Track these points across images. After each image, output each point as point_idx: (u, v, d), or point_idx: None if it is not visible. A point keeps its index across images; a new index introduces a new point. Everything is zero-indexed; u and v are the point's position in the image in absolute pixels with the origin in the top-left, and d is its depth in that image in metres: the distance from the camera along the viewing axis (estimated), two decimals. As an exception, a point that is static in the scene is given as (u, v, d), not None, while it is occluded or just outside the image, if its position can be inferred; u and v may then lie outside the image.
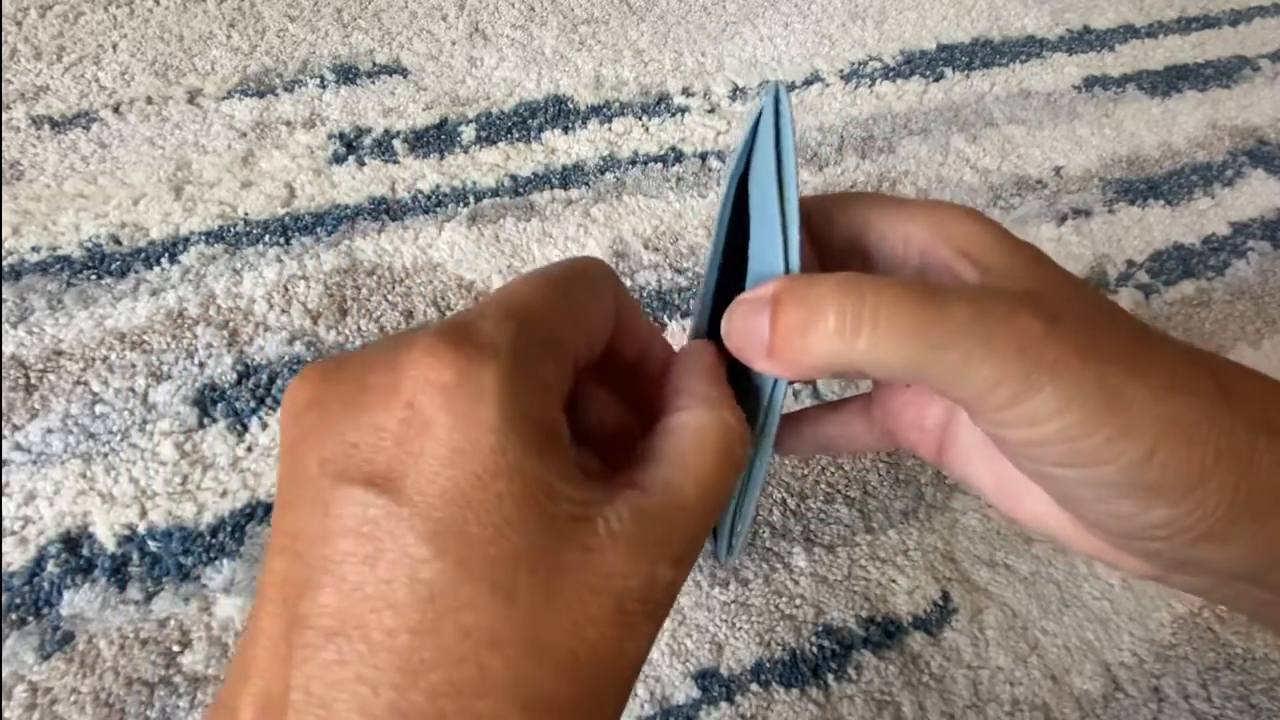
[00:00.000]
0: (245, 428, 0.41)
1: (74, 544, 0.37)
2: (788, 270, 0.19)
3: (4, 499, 0.38)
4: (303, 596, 0.14)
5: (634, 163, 0.55)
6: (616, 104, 0.59)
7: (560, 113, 0.58)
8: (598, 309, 0.19)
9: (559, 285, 0.18)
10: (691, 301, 0.50)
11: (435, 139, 0.55)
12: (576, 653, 0.14)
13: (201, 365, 0.43)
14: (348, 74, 0.57)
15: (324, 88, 0.56)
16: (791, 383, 0.22)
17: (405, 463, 0.14)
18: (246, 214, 0.49)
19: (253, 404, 0.42)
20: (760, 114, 0.21)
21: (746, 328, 0.18)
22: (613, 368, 0.21)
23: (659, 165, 0.55)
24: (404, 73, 0.58)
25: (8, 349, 0.42)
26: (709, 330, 0.23)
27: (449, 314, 0.44)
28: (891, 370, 0.17)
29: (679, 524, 0.16)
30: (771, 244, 0.19)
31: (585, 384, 0.19)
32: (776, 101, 0.20)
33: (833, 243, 0.21)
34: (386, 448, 0.15)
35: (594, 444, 0.19)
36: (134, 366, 0.42)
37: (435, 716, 0.13)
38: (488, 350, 0.15)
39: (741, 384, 0.21)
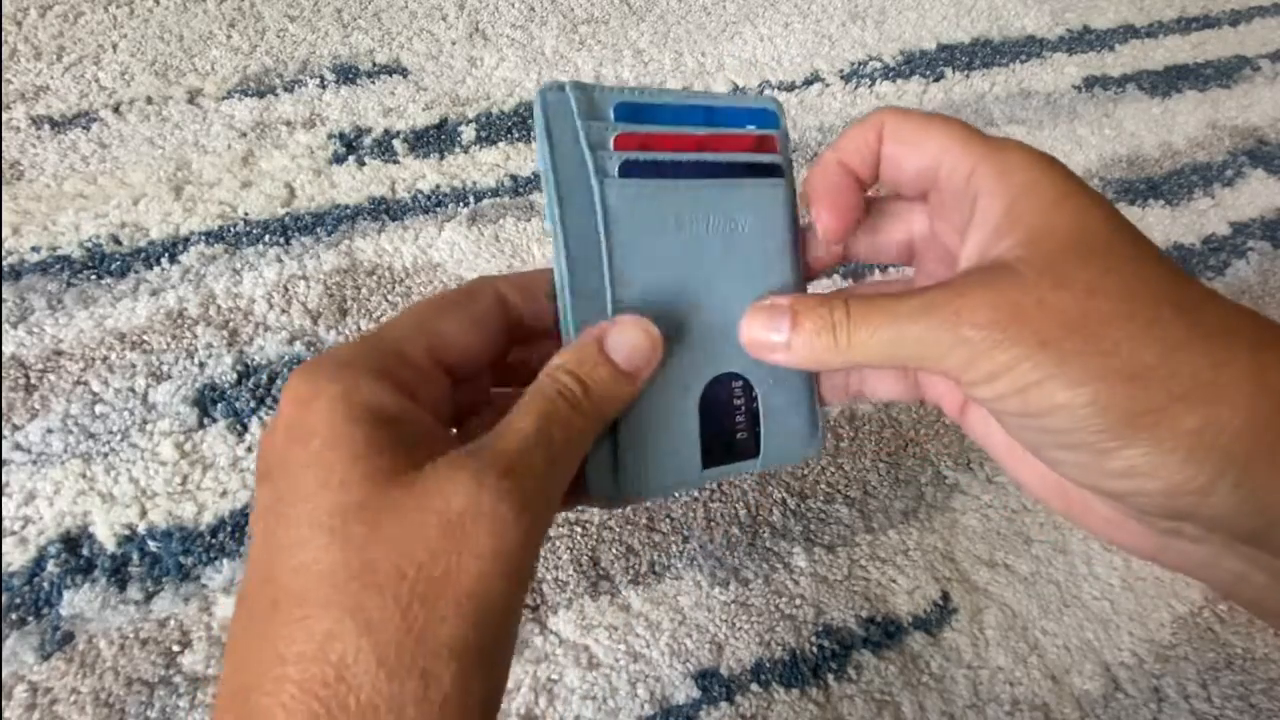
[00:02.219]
0: (245, 428, 0.41)
1: (74, 544, 0.37)
2: (614, 306, 0.22)
3: (4, 499, 0.38)
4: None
5: (634, 163, 0.55)
6: (616, 104, 0.59)
7: (560, 113, 0.57)
8: (456, 316, 0.23)
9: (421, 305, 0.23)
10: None
11: (435, 139, 0.55)
12: (402, 569, 0.17)
13: (201, 365, 0.43)
14: (348, 74, 0.57)
15: (324, 88, 0.56)
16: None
17: (277, 455, 0.19)
18: (246, 214, 0.49)
19: (253, 404, 0.42)
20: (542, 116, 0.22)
21: (770, 328, 0.23)
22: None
23: (659, 165, 0.55)
24: (404, 73, 0.58)
25: (8, 349, 0.42)
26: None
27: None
28: (876, 359, 0.21)
29: (500, 438, 0.19)
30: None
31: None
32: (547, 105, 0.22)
33: (904, 171, 0.23)
34: (272, 447, 0.19)
35: None
36: (134, 366, 0.42)
37: (284, 641, 0.17)
38: (328, 358, 0.20)
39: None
